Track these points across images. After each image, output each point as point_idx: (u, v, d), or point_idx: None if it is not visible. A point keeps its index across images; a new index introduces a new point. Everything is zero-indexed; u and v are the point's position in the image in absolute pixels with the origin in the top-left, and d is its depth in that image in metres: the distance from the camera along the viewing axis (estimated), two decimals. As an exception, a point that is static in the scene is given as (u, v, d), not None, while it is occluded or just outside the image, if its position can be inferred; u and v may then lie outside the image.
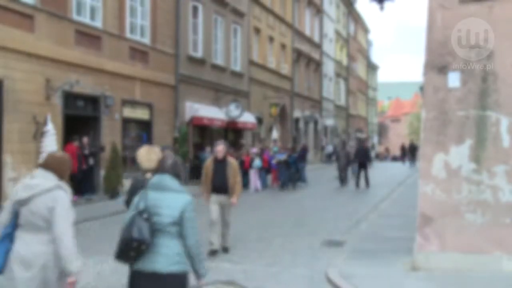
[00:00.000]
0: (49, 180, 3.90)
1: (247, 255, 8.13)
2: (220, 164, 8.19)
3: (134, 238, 3.63)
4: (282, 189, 18.59)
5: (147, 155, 5.34)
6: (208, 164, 8.32)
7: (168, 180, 3.88)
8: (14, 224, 3.89)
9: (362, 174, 19.20)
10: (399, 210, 12.84)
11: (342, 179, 20.16)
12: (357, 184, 19.00)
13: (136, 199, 3.91)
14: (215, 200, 8.21)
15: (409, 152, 34.16)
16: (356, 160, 19.78)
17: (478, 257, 6.72)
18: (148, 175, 5.14)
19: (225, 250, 8.33)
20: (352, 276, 6.61)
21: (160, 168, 4.00)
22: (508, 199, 6.66)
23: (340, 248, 8.55)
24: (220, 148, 8.19)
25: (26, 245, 3.77)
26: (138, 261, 3.71)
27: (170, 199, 3.80)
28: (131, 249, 3.66)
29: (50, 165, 4.01)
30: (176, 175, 3.95)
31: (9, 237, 3.89)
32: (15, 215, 3.87)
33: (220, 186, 8.15)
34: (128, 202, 4.87)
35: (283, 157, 18.82)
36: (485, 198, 6.74)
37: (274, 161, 18.99)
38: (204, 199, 8.41)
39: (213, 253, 8.03)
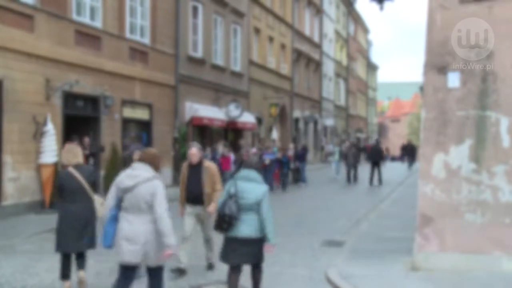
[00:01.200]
0: (147, 172, 4.90)
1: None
2: (195, 169, 6.98)
3: (226, 214, 5.30)
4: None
5: (77, 153, 6.32)
6: (183, 170, 7.15)
7: (253, 173, 5.54)
8: (118, 207, 4.85)
9: (376, 172, 20.49)
10: (399, 210, 12.85)
11: (350, 178, 21.27)
12: (371, 182, 20.21)
13: (226, 186, 5.60)
14: (191, 212, 7.00)
15: (407, 152, 31.96)
16: (369, 159, 21.60)
17: (478, 257, 6.72)
18: (70, 168, 6.16)
19: (210, 267, 7.19)
20: (351, 276, 6.62)
21: (247, 165, 5.66)
22: (508, 199, 6.66)
23: (340, 248, 8.55)
24: (194, 151, 6.95)
25: (130, 224, 4.77)
26: (231, 230, 5.36)
27: (254, 187, 5.43)
28: (224, 222, 5.33)
29: (146, 159, 5.00)
30: (258, 170, 5.63)
31: (115, 218, 4.87)
32: (119, 200, 4.85)
33: (194, 195, 6.93)
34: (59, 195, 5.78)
35: (272, 157, 18.40)
36: (485, 198, 6.74)
37: (266, 162, 18.68)
38: (179, 210, 7.19)
39: (180, 272, 6.83)
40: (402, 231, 9.36)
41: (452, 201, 6.86)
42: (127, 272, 4.94)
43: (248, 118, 23.11)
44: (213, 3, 21.21)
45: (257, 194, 5.37)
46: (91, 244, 6.25)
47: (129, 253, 4.78)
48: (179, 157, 18.36)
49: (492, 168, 6.73)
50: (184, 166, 7.16)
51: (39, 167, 12.22)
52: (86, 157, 13.83)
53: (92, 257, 7.79)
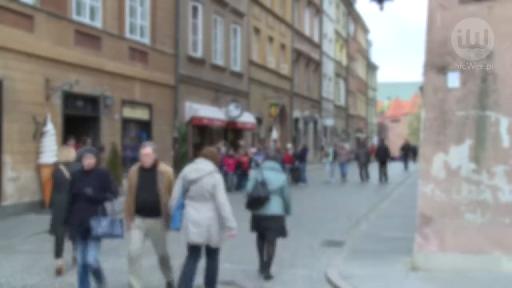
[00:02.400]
0: (209, 166, 5.79)
1: (247, 255, 8.13)
2: (148, 174, 5.78)
3: (260, 195, 6.69)
4: None
5: (67, 154, 7.58)
6: (132, 175, 5.87)
7: (275, 164, 7.08)
8: (184, 196, 5.72)
9: (382, 170, 22.04)
10: (399, 210, 12.85)
11: (362, 176, 22.43)
12: (380, 179, 21.98)
13: (253, 175, 7.36)
14: (140, 226, 5.78)
15: (404, 153, 29.99)
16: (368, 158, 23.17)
17: (478, 257, 6.72)
18: (60, 165, 7.35)
19: (170, 286, 6.16)
20: (351, 276, 6.62)
21: (270, 157, 7.33)
22: (508, 199, 6.66)
23: (339, 248, 8.55)
24: (147, 151, 5.74)
25: (196, 210, 5.65)
26: (259, 209, 6.80)
27: (277, 176, 6.92)
28: (258, 202, 6.75)
29: (207, 156, 5.93)
30: (279, 161, 7.26)
31: (182, 205, 5.72)
32: (185, 190, 5.72)
33: (146, 206, 5.75)
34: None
35: (262, 158, 18.27)
36: (484, 198, 6.74)
37: (259, 162, 18.39)
38: (126, 224, 5.95)
39: None
40: (402, 231, 9.36)
41: (452, 201, 6.85)
42: (194, 251, 5.80)
43: (248, 118, 23.11)
44: (213, 3, 21.21)
45: (280, 181, 6.87)
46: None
47: (195, 234, 5.60)
48: (179, 157, 18.36)
49: (492, 168, 6.73)
50: (133, 170, 5.88)
51: (39, 167, 12.22)
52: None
53: (92, 257, 7.80)
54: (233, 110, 21.23)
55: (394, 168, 28.10)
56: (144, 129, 17.13)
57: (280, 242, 9.04)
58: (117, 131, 15.46)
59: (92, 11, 14.63)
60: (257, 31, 26.17)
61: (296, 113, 32.13)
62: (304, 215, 11.43)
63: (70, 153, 7.58)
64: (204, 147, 6.89)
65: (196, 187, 5.65)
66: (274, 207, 6.81)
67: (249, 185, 6.94)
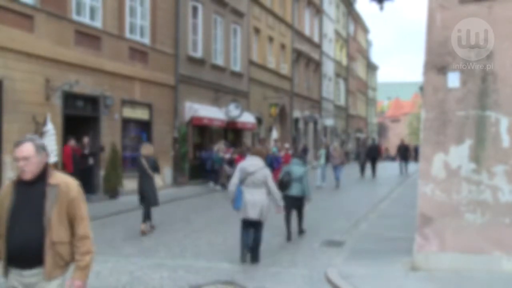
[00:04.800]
0: (260, 162, 7.75)
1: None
2: (29, 192, 3.37)
3: (283, 180, 9.33)
4: None
5: (148, 149, 10.46)
6: (3, 195, 3.44)
7: (299, 160, 10.00)
8: (241, 183, 7.57)
9: (371, 166, 24.58)
10: (399, 210, 12.85)
11: (363, 172, 24.75)
12: (374, 174, 24.39)
13: (285, 168, 9.85)
14: (16, 284, 3.33)
15: (400, 154, 27.43)
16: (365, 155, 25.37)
17: (478, 257, 6.72)
18: (142, 157, 10.24)
19: None
20: (351, 276, 6.62)
21: (297, 154, 12.74)
22: (508, 199, 6.66)
23: (339, 248, 8.55)
24: (25, 150, 3.38)
25: (252, 195, 7.51)
26: (286, 191, 9.20)
27: (299, 168, 9.56)
28: (283, 185, 9.23)
29: (257, 153, 7.97)
30: (303, 158, 11.43)
31: (240, 191, 7.57)
32: (242, 180, 7.57)
33: (22, 249, 3.26)
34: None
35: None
36: (484, 198, 6.74)
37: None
38: None
39: None
40: (402, 231, 9.36)
41: (452, 201, 6.85)
42: (249, 224, 7.68)
43: (248, 118, 23.12)
44: (213, 3, 21.21)
45: (300, 172, 9.52)
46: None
47: (252, 212, 7.49)
48: (179, 157, 18.37)
49: (492, 168, 6.73)
50: (6, 187, 3.51)
51: (39, 167, 12.21)
52: (85, 157, 13.86)
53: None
54: (233, 110, 21.23)
55: (394, 168, 28.06)
56: (144, 129, 17.13)
57: (280, 242, 9.08)
58: (117, 131, 15.46)
59: (92, 11, 14.64)
60: (257, 31, 26.17)
61: (296, 113, 32.13)
62: (304, 215, 11.42)
63: (150, 149, 10.52)
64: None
65: (252, 177, 7.54)
66: (294, 190, 9.46)
67: (281, 174, 9.78)
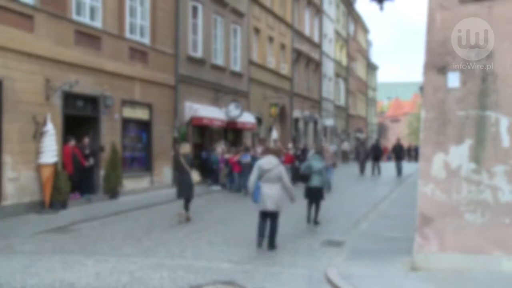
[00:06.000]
0: (276, 160, 8.74)
1: (247, 255, 8.14)
2: None
3: (305, 172, 11.11)
4: (234, 191, 17.70)
5: (186, 148, 11.95)
6: None
7: (318, 156, 11.52)
8: (259, 180, 8.58)
9: (376, 165, 25.80)
10: (399, 210, 12.85)
11: (362, 170, 26.13)
12: (373, 172, 25.70)
13: (306, 163, 11.52)
14: None
15: (396, 155, 26.13)
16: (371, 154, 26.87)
17: (478, 257, 6.72)
18: (181, 156, 11.62)
19: None
20: (351, 276, 6.62)
21: (317, 150, 12.47)
22: (508, 199, 6.66)
23: (339, 248, 8.55)
24: None
25: (269, 189, 8.48)
26: (309, 182, 11.00)
27: (318, 163, 11.10)
28: (304, 177, 11.18)
29: (273, 152, 9.10)
30: (321, 154, 11.98)
31: (258, 186, 8.59)
32: (260, 176, 8.55)
33: None
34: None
35: (247, 159, 17.24)
36: (484, 198, 6.74)
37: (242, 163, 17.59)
38: None
39: None
40: (402, 231, 9.36)
41: (452, 201, 6.86)
42: (266, 216, 8.63)
43: (248, 118, 23.11)
44: (213, 3, 21.21)
45: (320, 166, 11.07)
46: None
47: (269, 205, 8.47)
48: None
49: (492, 168, 6.73)
50: None
51: (39, 167, 12.23)
52: (85, 157, 13.86)
53: (92, 257, 7.82)
54: (233, 110, 21.22)
55: (393, 168, 28.03)
56: (144, 129, 17.13)
57: (280, 242, 9.08)
58: (117, 131, 15.46)
59: (92, 11, 14.63)
60: (257, 31, 26.17)
61: (296, 113, 32.12)
62: (304, 215, 11.43)
63: (188, 148, 12.02)
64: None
65: (269, 174, 8.51)
66: (315, 182, 10.98)
67: (302, 168, 11.51)
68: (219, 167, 18.66)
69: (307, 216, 11.09)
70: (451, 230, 6.83)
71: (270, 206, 8.45)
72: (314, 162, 11.12)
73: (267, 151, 9.42)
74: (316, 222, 11.04)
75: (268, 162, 8.62)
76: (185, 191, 11.37)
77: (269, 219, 8.64)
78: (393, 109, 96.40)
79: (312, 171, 10.95)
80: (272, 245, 8.56)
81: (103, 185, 14.66)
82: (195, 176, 11.45)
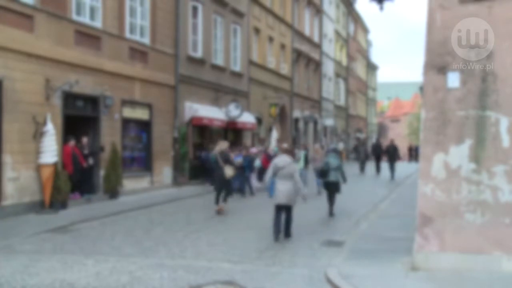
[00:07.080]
0: (289, 158, 9.57)
1: (247, 255, 8.14)
2: None
3: (324, 169, 12.52)
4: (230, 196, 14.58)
5: (222, 145, 13.23)
6: None
7: (334, 154, 12.97)
8: (274, 176, 9.42)
9: (377, 164, 26.54)
10: (399, 210, 12.86)
11: (362, 169, 27.12)
12: (378, 171, 26.37)
13: (324, 160, 13.22)
14: None
15: (389, 156, 24.75)
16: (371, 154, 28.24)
17: (478, 257, 6.72)
18: (217, 153, 13.09)
19: None
20: (351, 276, 6.62)
21: (329, 150, 14.23)
22: (508, 199, 6.66)
23: (339, 248, 8.55)
24: None
25: (283, 185, 9.29)
26: (325, 177, 12.47)
27: (334, 160, 12.55)
28: (323, 172, 12.59)
29: (285, 151, 9.83)
30: (337, 152, 13.78)
31: (273, 182, 9.53)
32: (275, 173, 9.37)
33: None
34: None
35: (239, 159, 16.46)
36: (484, 198, 6.75)
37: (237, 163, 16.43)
38: None
39: None
40: (402, 231, 9.36)
41: (452, 201, 6.86)
42: (280, 209, 9.43)
43: (248, 118, 23.11)
44: (213, 3, 21.21)
45: (336, 163, 12.39)
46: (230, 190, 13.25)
47: (283, 198, 9.30)
48: (179, 157, 18.36)
49: (492, 168, 6.73)
50: None
51: (39, 167, 12.22)
52: (84, 157, 13.86)
53: (92, 257, 7.81)
54: (233, 110, 21.22)
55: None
56: (144, 129, 17.12)
57: (279, 242, 9.07)
58: (117, 131, 15.46)
59: (92, 11, 14.63)
60: (257, 31, 26.16)
61: (296, 113, 32.12)
62: (304, 215, 11.43)
63: (225, 145, 13.30)
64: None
65: (283, 171, 9.31)
66: (333, 177, 12.29)
67: (320, 164, 13.40)
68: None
69: (329, 209, 12.42)
70: (451, 230, 6.83)
71: (283, 200, 9.28)
72: (331, 160, 12.43)
73: (282, 150, 10.14)
74: (331, 214, 12.24)
75: (282, 160, 9.47)
76: (216, 185, 12.89)
77: (284, 211, 9.50)
78: (393, 109, 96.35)
79: (329, 167, 12.24)
80: (287, 234, 9.55)
81: (103, 185, 14.66)
82: (228, 170, 12.71)
